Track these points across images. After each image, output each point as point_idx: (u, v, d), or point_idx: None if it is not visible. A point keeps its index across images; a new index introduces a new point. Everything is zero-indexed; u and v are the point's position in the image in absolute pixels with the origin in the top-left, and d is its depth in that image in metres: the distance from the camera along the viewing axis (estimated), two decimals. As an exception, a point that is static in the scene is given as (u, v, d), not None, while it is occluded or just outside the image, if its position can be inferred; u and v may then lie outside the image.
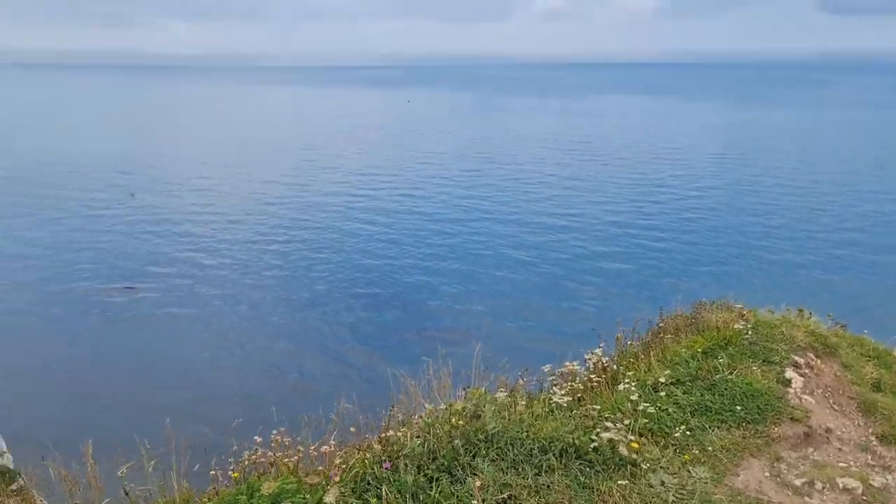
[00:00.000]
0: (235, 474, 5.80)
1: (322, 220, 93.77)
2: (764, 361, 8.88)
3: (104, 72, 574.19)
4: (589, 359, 8.83)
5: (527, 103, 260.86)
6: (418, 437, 5.73)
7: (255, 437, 6.25)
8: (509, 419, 6.34)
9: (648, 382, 8.30)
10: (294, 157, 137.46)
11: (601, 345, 8.95)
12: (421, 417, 6.21)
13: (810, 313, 10.50)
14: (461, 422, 5.91)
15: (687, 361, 8.70)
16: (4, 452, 36.53)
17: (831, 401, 8.88)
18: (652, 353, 9.07)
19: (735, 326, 9.38)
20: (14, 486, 20.57)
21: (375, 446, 5.91)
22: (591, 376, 8.44)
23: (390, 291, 70.14)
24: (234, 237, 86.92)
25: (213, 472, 5.90)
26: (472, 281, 71.84)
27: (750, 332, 9.32)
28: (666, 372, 8.47)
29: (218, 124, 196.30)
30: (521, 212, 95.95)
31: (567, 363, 8.71)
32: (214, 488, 5.93)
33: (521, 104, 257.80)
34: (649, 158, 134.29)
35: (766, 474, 7.39)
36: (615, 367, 8.71)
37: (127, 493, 6.48)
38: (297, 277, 74.23)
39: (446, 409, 6.27)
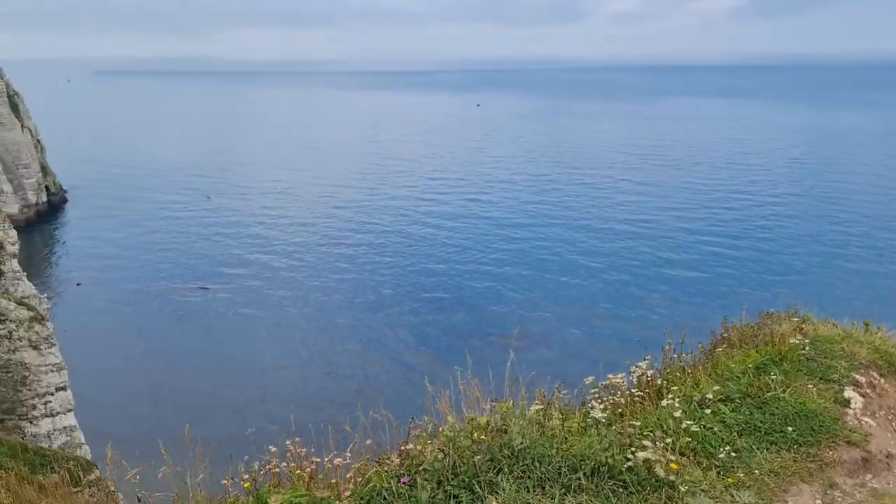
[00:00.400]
0: (247, 484, 5.72)
1: (389, 224, 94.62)
2: (821, 379, 8.15)
3: (182, 78, 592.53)
4: (633, 371, 8.46)
5: (597, 107, 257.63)
6: (441, 450, 5.57)
7: (270, 447, 6.18)
8: (540, 434, 6.11)
9: (695, 398, 7.83)
10: (363, 161, 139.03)
11: (646, 357, 8.58)
12: (442, 431, 6.02)
13: (878, 328, 9.83)
14: (484, 436, 5.72)
15: (738, 377, 8.17)
16: (83, 444, 37.68)
17: (895, 424, 8.25)
18: (701, 368, 8.64)
19: (791, 341, 8.79)
20: (91, 477, 21.27)
21: (394, 459, 5.76)
22: (634, 390, 8.07)
23: (456, 295, 70.22)
24: (302, 240, 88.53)
25: (224, 481, 5.86)
26: (538, 287, 71.27)
27: (807, 348, 8.71)
28: (714, 388, 7.97)
29: (289, 128, 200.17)
30: (589, 217, 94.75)
31: (610, 375, 8.34)
32: (225, 498, 5.88)
33: (591, 107, 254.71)
34: (724, 163, 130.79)
35: (818, 501, 6.94)
36: (660, 381, 8.30)
37: (140, 500, 6.51)
38: (363, 280, 75.11)
39: (468, 422, 6.06)
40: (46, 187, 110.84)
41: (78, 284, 75.83)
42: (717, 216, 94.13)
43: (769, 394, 7.76)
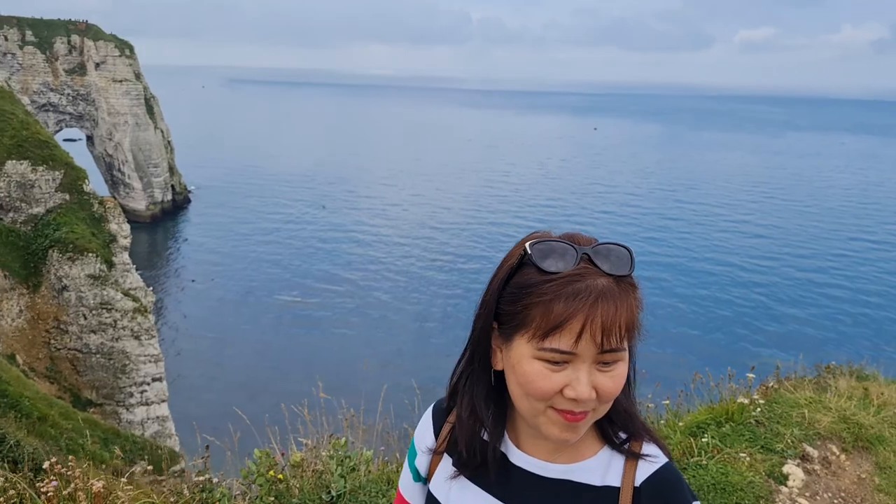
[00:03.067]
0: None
1: (494, 248, 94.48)
2: (762, 448, 7.03)
3: (308, 88, 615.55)
4: None
5: (720, 137, 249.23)
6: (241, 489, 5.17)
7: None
8: (370, 478, 5.51)
9: None
10: (474, 181, 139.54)
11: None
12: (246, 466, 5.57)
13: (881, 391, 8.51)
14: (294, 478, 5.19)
15: (669, 436, 7.05)
16: (173, 435, 39.00)
17: (839, 511, 6.96)
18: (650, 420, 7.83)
19: (741, 400, 7.45)
20: (176, 468, 21.98)
21: (185, 492, 5.35)
22: None
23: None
24: (407, 255, 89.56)
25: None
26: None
27: (760, 409, 7.44)
28: None
29: (405, 142, 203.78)
30: (700, 250, 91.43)
31: None
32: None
33: (714, 137, 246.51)
34: (856, 205, 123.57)
35: None
36: None
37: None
38: (463, 303, 75.27)
39: (261, 457, 5.49)
40: (172, 186, 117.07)
41: (192, 281, 79.49)
42: (845, 262, 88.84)
43: (692, 459, 6.65)
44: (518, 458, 2.02)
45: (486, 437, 2.03)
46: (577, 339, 1.71)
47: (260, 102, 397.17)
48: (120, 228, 33.62)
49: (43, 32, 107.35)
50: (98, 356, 31.08)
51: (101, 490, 4.81)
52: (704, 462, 6.62)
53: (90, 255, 31.19)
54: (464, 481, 2.08)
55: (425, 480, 2.22)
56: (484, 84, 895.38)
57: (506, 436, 2.05)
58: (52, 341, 30.64)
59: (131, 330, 30.59)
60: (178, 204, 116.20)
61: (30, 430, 15.36)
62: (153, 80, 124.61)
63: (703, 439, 6.80)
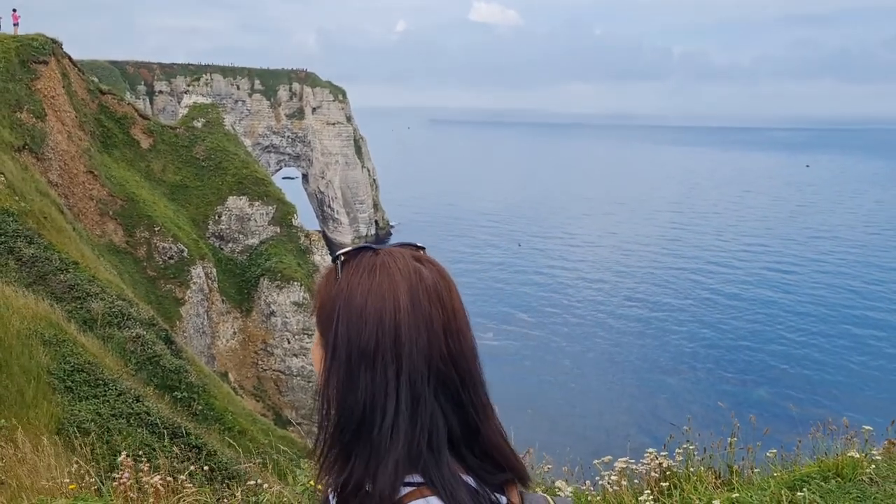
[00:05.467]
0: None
1: (696, 282, 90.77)
2: None
3: (510, 128, 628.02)
4: (646, 458, 6.82)
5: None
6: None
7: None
8: None
9: None
10: (671, 220, 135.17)
11: (686, 445, 6.91)
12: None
13: None
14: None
15: (763, 489, 6.17)
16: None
17: None
18: (735, 470, 7.02)
19: (852, 454, 6.43)
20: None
21: None
22: (625, 483, 6.75)
23: (760, 366, 65.37)
24: (605, 289, 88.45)
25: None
26: (869, 366, 63.71)
27: (875, 467, 6.33)
28: (733, 495, 6.07)
29: (603, 181, 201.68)
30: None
31: (622, 460, 6.78)
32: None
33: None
34: None
35: None
36: (665, 481, 6.73)
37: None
38: (661, 336, 73.04)
39: None
40: (376, 221, 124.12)
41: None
42: None
43: (787, 518, 5.91)
44: None
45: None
46: None
47: (461, 142, 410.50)
48: (323, 260, 36.41)
49: (269, 81, 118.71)
50: (298, 378, 33.66)
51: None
52: None
53: (295, 283, 34.05)
54: None
55: None
56: (687, 121, 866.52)
57: None
58: (260, 362, 33.68)
59: (328, 354, 32.73)
60: (381, 238, 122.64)
61: (230, 442, 17.04)
62: (362, 121, 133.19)
63: (800, 494, 6.08)
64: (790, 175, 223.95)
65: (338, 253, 1.90)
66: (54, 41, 35.94)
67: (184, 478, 6.78)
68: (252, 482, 6.82)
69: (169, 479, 6.74)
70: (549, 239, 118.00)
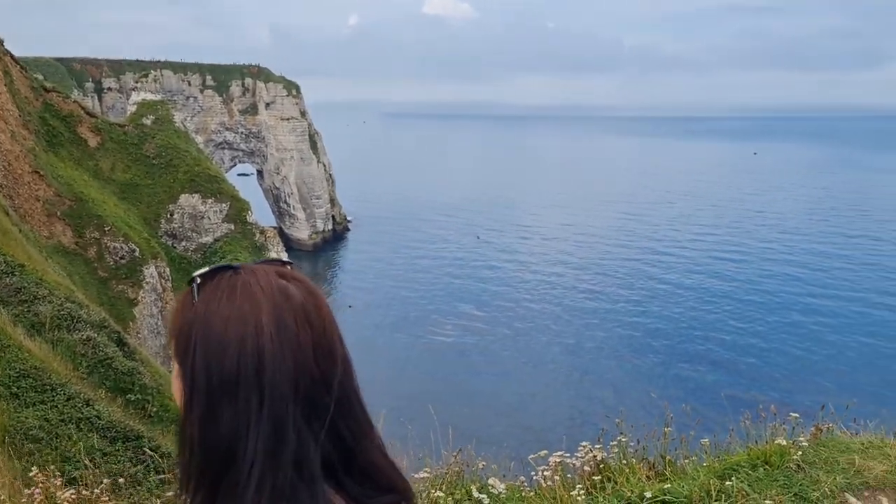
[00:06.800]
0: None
1: (649, 272, 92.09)
2: (796, 496, 6.16)
3: (464, 121, 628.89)
4: (581, 451, 6.82)
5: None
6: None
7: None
8: None
9: (627, 496, 6.13)
10: (625, 209, 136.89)
11: (620, 438, 6.92)
12: None
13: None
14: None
15: (694, 479, 6.27)
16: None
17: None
18: (669, 459, 6.77)
19: (779, 441, 6.67)
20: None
21: None
22: (558, 477, 6.40)
23: (719, 350, 66.64)
24: (560, 282, 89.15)
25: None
26: (811, 351, 65.32)
27: (802, 453, 6.59)
28: (664, 486, 6.12)
29: (558, 172, 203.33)
30: (872, 289, 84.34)
31: (558, 453, 6.73)
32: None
33: (891, 160, 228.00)
34: None
35: None
36: (601, 469, 6.57)
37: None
38: (611, 327, 73.93)
39: None
40: (333, 217, 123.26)
41: (349, 307, 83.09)
42: None
43: (713, 504, 5.94)
44: None
45: None
46: None
47: (417, 135, 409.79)
48: (279, 256, 36.04)
49: (221, 77, 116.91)
50: (257, 375, 33.27)
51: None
52: None
53: (251, 281, 33.57)
54: None
55: None
56: (640, 111, 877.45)
57: None
58: (217, 360, 33.20)
59: (286, 352, 32.52)
60: (338, 233, 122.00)
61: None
62: (317, 116, 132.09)
63: (728, 483, 6.12)
64: (738, 163, 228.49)
65: (194, 274, 1.75)
66: (-6, 38, 34.88)
67: (98, 491, 6.57)
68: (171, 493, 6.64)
69: (85, 492, 6.57)
70: (505, 232, 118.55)
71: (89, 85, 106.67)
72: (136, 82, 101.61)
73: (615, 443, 6.96)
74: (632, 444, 7.02)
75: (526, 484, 6.79)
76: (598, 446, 6.91)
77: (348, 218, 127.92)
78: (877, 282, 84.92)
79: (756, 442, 6.89)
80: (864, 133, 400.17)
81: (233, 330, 1.63)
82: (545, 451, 6.90)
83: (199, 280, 1.73)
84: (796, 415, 7.08)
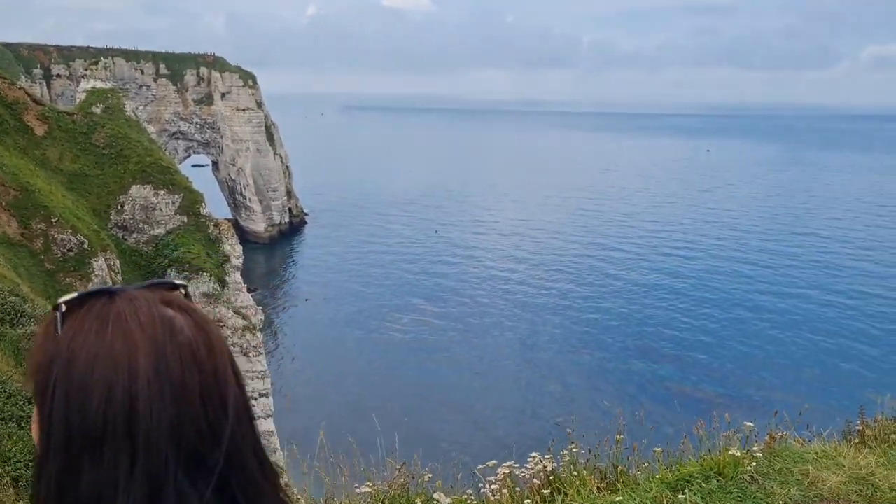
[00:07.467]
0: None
1: (601, 268, 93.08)
2: None
3: (422, 114, 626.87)
4: (531, 461, 6.56)
5: (846, 158, 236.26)
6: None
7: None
8: None
9: None
10: (579, 205, 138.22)
11: (571, 447, 6.69)
12: None
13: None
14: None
15: (646, 490, 6.16)
16: (277, 450, 40.54)
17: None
18: (620, 471, 6.59)
19: (732, 452, 6.49)
20: (280, 482, 23.18)
21: None
22: (502, 490, 6.29)
23: (670, 346, 67.64)
24: (515, 278, 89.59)
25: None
26: (758, 348, 66.67)
27: (756, 464, 6.42)
28: (616, 498, 6.03)
29: (517, 167, 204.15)
30: (815, 282, 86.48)
31: (508, 464, 6.51)
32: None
33: (839, 159, 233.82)
34: None
35: None
36: (548, 487, 6.36)
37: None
38: (571, 320, 74.62)
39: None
40: (290, 209, 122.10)
41: (306, 300, 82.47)
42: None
43: (665, 518, 5.80)
44: None
45: None
46: None
47: (374, 128, 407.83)
48: (233, 249, 35.57)
49: (175, 66, 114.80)
50: (210, 370, 32.84)
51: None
52: None
53: (205, 274, 33.15)
54: None
55: None
56: (596, 107, 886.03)
57: None
58: (169, 355, 32.67)
59: (241, 347, 32.24)
60: (295, 226, 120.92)
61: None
62: (274, 108, 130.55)
63: (682, 496, 5.97)
64: (692, 160, 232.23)
65: (59, 300, 1.45)
66: (-64, 21, 33.73)
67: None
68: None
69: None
70: (462, 226, 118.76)
71: (38, 71, 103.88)
72: (86, 69, 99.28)
73: (566, 451, 6.75)
74: (583, 452, 6.83)
75: (473, 498, 6.60)
76: (548, 456, 6.69)
77: (305, 211, 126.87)
78: (823, 279, 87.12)
79: (709, 451, 6.73)
80: (814, 131, 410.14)
81: (100, 371, 1.34)
82: (494, 462, 6.72)
83: (63, 308, 1.43)
84: (750, 424, 6.92)
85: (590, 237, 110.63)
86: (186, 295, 1.56)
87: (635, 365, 63.81)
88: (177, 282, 1.57)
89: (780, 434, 7.10)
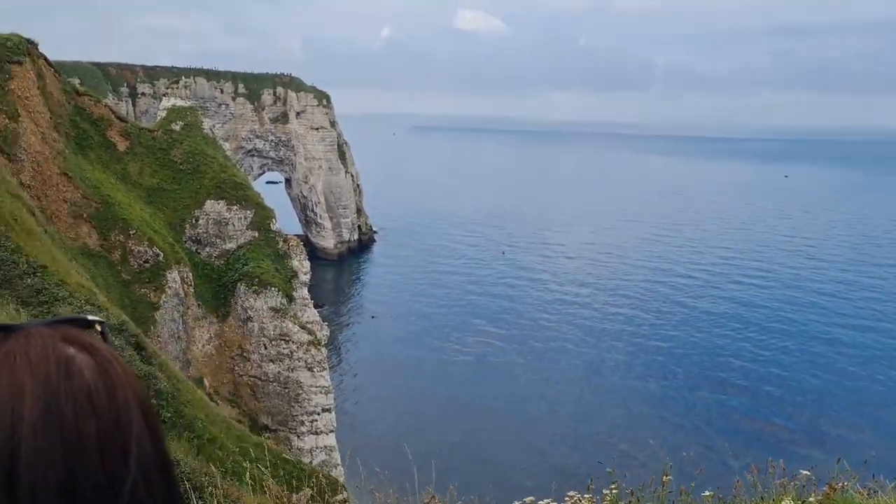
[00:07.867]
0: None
1: (670, 295, 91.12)
2: None
3: (493, 135, 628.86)
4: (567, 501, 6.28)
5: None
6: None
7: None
8: None
9: None
10: (650, 229, 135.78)
11: (612, 488, 6.29)
12: None
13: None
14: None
15: None
16: (338, 465, 40.66)
17: None
18: None
19: (785, 501, 5.98)
20: (338, 498, 23.03)
21: None
22: None
23: (739, 377, 65.56)
24: (580, 302, 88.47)
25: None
26: (833, 383, 63.99)
27: None
28: None
29: (587, 188, 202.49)
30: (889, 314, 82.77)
31: (546, 501, 6.24)
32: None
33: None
34: None
35: None
36: None
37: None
38: (637, 347, 73.17)
39: None
40: (359, 227, 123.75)
41: (372, 317, 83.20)
42: None
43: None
44: None
45: None
46: None
47: (445, 148, 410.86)
48: (301, 265, 36.15)
49: (253, 85, 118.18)
50: (275, 384, 33.36)
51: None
52: None
53: (273, 289, 33.78)
54: None
55: None
56: (670, 130, 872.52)
57: None
58: (236, 368, 33.33)
59: (305, 361, 32.68)
60: (364, 243, 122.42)
61: (199, 450, 16.64)
62: (346, 127, 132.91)
63: None
64: (768, 185, 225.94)
65: None
66: (30, 41, 35.48)
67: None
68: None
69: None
70: (530, 249, 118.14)
71: (124, 90, 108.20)
72: (167, 88, 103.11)
73: (607, 491, 6.41)
74: (623, 496, 6.45)
75: None
76: (587, 496, 6.38)
77: (374, 228, 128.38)
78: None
79: (762, 498, 6.29)
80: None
81: None
82: (532, 498, 6.46)
83: None
84: (807, 472, 6.45)
85: (659, 263, 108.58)
86: (102, 333, 1.37)
87: (702, 395, 62.03)
88: (91, 317, 1.37)
89: (840, 484, 6.52)
